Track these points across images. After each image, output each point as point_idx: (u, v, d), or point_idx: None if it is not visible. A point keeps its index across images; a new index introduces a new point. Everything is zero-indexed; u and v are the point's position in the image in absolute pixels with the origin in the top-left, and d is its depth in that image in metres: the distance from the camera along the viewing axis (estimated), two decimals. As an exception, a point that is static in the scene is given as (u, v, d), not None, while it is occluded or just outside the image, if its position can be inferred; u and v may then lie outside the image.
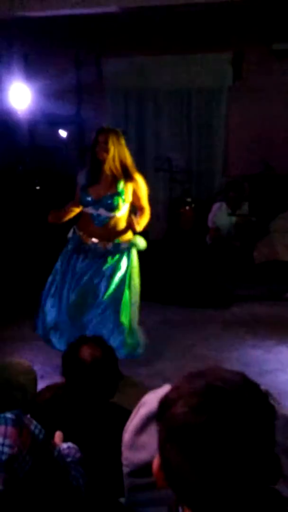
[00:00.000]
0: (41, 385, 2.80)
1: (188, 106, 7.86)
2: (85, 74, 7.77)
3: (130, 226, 4.49)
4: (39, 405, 2.47)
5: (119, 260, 4.47)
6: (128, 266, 4.50)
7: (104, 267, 4.46)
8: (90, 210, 4.41)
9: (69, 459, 1.91)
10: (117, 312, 4.44)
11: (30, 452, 1.60)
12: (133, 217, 4.47)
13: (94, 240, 4.44)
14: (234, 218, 6.91)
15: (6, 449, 1.54)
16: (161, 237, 7.71)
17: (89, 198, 4.39)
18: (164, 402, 1.08)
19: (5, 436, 1.55)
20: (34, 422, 1.69)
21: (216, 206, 7.05)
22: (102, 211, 4.38)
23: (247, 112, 7.55)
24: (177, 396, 1.06)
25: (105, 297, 4.43)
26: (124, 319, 4.47)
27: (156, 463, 1.10)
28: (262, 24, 7.14)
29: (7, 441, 1.55)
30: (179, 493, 1.05)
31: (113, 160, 4.26)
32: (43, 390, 2.70)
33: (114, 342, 4.22)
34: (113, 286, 4.44)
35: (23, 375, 2.53)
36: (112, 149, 4.24)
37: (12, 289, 6.30)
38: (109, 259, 4.46)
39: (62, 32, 7.38)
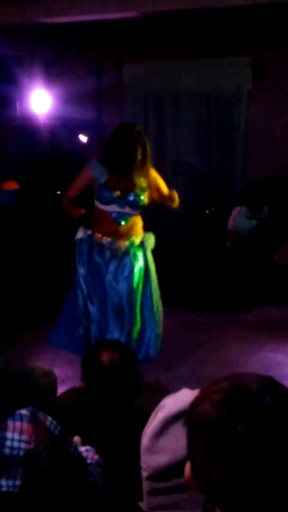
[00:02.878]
0: (61, 389, 2.82)
1: (208, 110, 7.87)
2: (105, 79, 7.81)
3: (169, 201, 4.38)
4: (59, 409, 2.48)
5: (138, 257, 4.44)
6: (146, 261, 4.47)
7: (126, 265, 4.43)
8: (112, 208, 4.28)
9: (87, 461, 1.93)
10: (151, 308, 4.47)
11: (47, 447, 1.62)
12: (174, 191, 4.41)
13: (109, 239, 4.36)
14: (254, 222, 6.89)
15: (23, 445, 1.56)
16: (180, 241, 7.71)
17: (114, 195, 4.26)
18: (191, 404, 1.10)
19: (21, 432, 1.57)
20: (50, 418, 1.70)
21: (236, 210, 7.03)
22: (128, 209, 4.31)
23: (266, 115, 7.53)
24: (202, 395, 1.09)
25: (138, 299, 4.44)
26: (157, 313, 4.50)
27: (188, 466, 1.11)
28: (282, 27, 7.11)
29: (23, 437, 1.56)
30: (207, 493, 1.06)
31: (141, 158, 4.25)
32: (63, 394, 2.71)
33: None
34: (139, 284, 4.44)
35: (44, 379, 2.54)
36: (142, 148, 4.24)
37: (33, 292, 6.34)
38: (130, 257, 4.43)
39: (83, 38, 7.42)
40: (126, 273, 4.38)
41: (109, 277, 4.38)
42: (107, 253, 4.40)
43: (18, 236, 6.59)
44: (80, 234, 4.49)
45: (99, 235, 4.36)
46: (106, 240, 4.36)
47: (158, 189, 4.40)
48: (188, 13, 6.38)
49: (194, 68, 7.61)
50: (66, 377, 4.25)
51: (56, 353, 5.06)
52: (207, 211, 7.46)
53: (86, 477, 1.83)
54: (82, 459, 1.87)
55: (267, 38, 7.24)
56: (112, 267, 4.39)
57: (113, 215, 4.31)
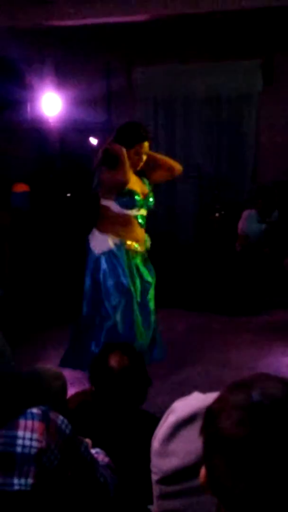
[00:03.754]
0: (71, 391, 2.82)
1: (218, 113, 7.86)
2: (115, 82, 7.82)
3: (169, 169, 4.38)
4: (68, 411, 2.48)
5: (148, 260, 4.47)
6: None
7: (151, 268, 4.44)
8: (136, 211, 4.26)
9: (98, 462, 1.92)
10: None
11: (58, 446, 1.62)
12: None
13: (138, 243, 4.32)
14: (264, 225, 6.88)
15: (34, 444, 1.56)
16: (190, 243, 7.71)
17: (139, 199, 4.24)
18: (208, 414, 1.09)
19: (32, 431, 1.57)
20: (61, 417, 1.71)
21: (246, 213, 7.01)
22: (144, 211, 4.30)
23: (277, 119, 7.52)
24: (220, 408, 1.07)
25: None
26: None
27: (203, 472, 1.11)
28: (293, 30, 7.11)
29: (35, 436, 1.57)
30: (223, 502, 1.06)
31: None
32: (72, 396, 2.72)
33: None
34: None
35: (54, 381, 2.54)
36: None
37: (44, 295, 6.35)
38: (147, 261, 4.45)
39: (93, 41, 7.44)
40: (152, 275, 4.40)
41: (142, 280, 4.37)
42: (138, 258, 4.37)
43: (28, 239, 6.61)
44: (108, 244, 4.25)
45: (129, 242, 4.28)
46: (135, 245, 4.31)
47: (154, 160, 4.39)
48: (198, 16, 6.38)
49: (204, 71, 7.62)
50: (75, 379, 4.26)
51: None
52: (217, 214, 7.45)
53: (97, 477, 1.83)
54: (93, 459, 1.87)
55: (278, 41, 7.24)
56: (143, 270, 4.38)
57: (139, 219, 4.28)
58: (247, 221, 6.95)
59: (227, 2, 5.89)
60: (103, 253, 4.24)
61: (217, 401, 1.10)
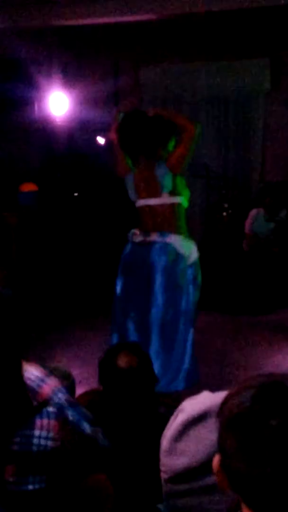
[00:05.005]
0: (79, 390, 2.83)
1: (226, 112, 7.85)
2: (122, 82, 7.82)
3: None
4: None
5: None
6: None
7: None
8: None
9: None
10: None
11: (71, 442, 1.63)
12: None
13: None
14: (272, 224, 6.86)
15: (50, 442, 1.57)
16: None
17: None
18: (225, 398, 1.11)
19: (48, 430, 1.58)
20: (84, 423, 1.71)
21: (253, 212, 7.00)
22: None
23: (285, 118, 7.50)
24: (234, 392, 1.10)
25: None
26: None
27: (216, 459, 1.11)
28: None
29: (51, 434, 1.58)
30: (235, 487, 1.06)
31: None
32: (80, 396, 2.72)
33: None
34: None
35: (62, 381, 2.55)
36: None
37: (52, 294, 6.37)
38: None
39: (100, 40, 7.45)
40: None
41: None
42: None
43: (36, 238, 6.63)
44: (196, 254, 4.16)
45: None
46: None
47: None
48: (206, 15, 6.38)
49: (212, 70, 7.61)
50: (83, 378, 4.26)
51: (73, 354, 5.09)
52: (224, 213, 7.44)
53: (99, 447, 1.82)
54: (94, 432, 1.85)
55: (285, 39, 7.22)
56: None
57: None
58: (255, 221, 6.94)
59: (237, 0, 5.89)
60: (193, 263, 4.12)
61: (235, 388, 1.11)
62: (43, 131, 7.68)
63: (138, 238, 4.09)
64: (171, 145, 4.09)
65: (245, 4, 5.87)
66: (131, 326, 4.08)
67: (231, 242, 7.22)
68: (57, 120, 7.55)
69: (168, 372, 3.98)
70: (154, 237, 4.01)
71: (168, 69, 7.70)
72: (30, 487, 1.56)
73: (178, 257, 3.99)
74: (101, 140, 7.72)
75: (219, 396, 1.23)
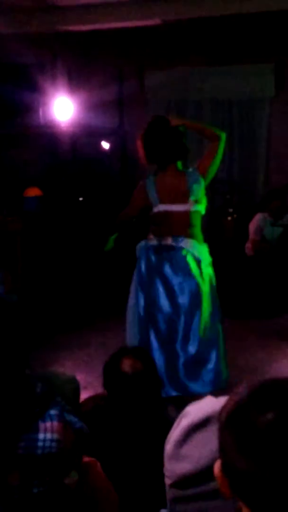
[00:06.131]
0: (84, 395, 2.83)
1: (230, 116, 7.86)
2: (127, 87, 7.83)
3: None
4: (81, 415, 2.49)
5: None
6: None
7: None
8: None
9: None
10: None
11: (73, 443, 1.63)
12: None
13: None
14: (279, 229, 6.85)
15: (54, 444, 1.57)
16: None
17: None
18: (225, 403, 1.12)
19: (52, 432, 1.58)
20: (72, 416, 1.71)
21: (257, 216, 6.99)
22: None
23: (289, 122, 7.51)
24: (232, 393, 1.11)
25: None
26: None
27: (217, 463, 1.11)
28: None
29: (55, 436, 1.58)
30: (235, 489, 1.06)
31: None
32: (85, 400, 2.72)
33: None
34: None
35: (67, 386, 2.55)
36: None
37: (57, 299, 6.37)
38: None
39: (105, 46, 7.47)
40: None
41: None
42: None
43: (41, 243, 6.63)
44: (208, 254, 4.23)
45: None
46: None
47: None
48: (210, 20, 6.40)
49: (216, 75, 7.61)
50: (88, 383, 4.27)
51: (78, 359, 5.09)
52: (229, 218, 7.44)
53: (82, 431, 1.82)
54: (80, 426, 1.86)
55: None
56: None
57: None
58: (260, 226, 6.92)
59: (241, 4, 5.89)
60: (209, 264, 4.19)
61: (234, 390, 1.12)
62: (47, 136, 7.70)
63: (153, 242, 4.09)
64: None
65: (250, 9, 5.88)
66: (154, 342, 4.04)
67: (236, 246, 7.21)
68: (62, 125, 7.56)
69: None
70: (169, 241, 4.03)
71: (172, 74, 7.71)
72: (35, 490, 1.56)
73: (196, 261, 4.06)
74: (105, 145, 7.73)
75: (222, 401, 1.22)
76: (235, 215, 7.46)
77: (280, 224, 6.84)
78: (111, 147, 7.75)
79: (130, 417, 2.42)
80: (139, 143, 4.16)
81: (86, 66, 7.81)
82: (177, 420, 1.50)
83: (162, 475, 1.52)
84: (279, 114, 7.56)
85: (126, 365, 2.46)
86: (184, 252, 4.01)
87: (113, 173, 7.75)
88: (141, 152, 4.16)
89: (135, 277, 4.17)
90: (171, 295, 4.01)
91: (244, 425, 1.03)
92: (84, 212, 7.35)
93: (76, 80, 7.83)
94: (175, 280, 4.00)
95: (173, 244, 4.03)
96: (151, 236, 4.12)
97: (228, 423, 1.06)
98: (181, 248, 4.02)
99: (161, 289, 4.02)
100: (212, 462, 1.17)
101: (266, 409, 1.01)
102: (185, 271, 4.00)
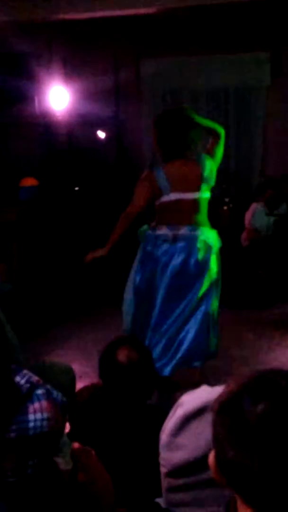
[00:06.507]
0: (79, 385, 2.83)
1: (226, 106, 7.84)
2: (123, 76, 7.81)
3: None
4: (77, 405, 2.49)
5: None
6: None
7: None
8: None
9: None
10: None
11: (60, 420, 1.64)
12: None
13: None
14: (272, 219, 6.86)
15: (45, 423, 1.57)
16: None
17: None
18: (219, 394, 1.13)
19: (42, 411, 1.58)
20: (55, 391, 1.72)
21: (254, 206, 7.00)
22: None
23: (285, 111, 7.49)
24: (227, 384, 1.12)
25: None
26: None
27: (212, 453, 1.12)
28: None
29: (45, 415, 1.58)
30: (229, 479, 1.07)
31: None
32: (81, 390, 2.72)
33: None
34: None
35: (63, 375, 2.56)
36: None
37: (53, 289, 6.37)
38: None
39: (100, 34, 7.43)
40: None
41: None
42: None
43: (36, 233, 6.62)
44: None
45: None
46: None
47: None
48: (206, 8, 6.37)
49: (212, 64, 7.59)
50: (83, 373, 4.27)
51: (74, 349, 5.10)
52: (225, 207, 7.44)
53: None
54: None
55: (286, 33, 7.20)
56: None
57: None
58: (256, 215, 6.93)
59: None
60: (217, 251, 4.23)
61: (228, 383, 1.12)
62: (43, 125, 7.68)
63: (163, 231, 4.09)
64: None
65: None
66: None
67: (232, 236, 7.21)
68: (58, 114, 7.54)
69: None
70: (183, 230, 4.06)
71: (168, 62, 7.69)
72: (30, 471, 1.56)
73: (208, 248, 4.11)
74: (101, 134, 7.71)
75: (217, 391, 1.23)
76: (231, 205, 7.45)
77: (275, 214, 6.84)
78: (106, 136, 7.74)
79: (125, 406, 2.43)
80: (153, 133, 4.16)
81: (81, 55, 7.78)
82: (173, 410, 1.50)
83: (157, 464, 1.52)
84: (275, 103, 7.54)
85: (122, 355, 2.46)
86: (199, 242, 4.06)
87: (108, 162, 7.73)
88: (155, 142, 4.15)
89: (138, 264, 4.18)
90: (179, 283, 4.04)
91: (235, 416, 1.03)
92: (80, 201, 7.34)
93: (72, 69, 7.80)
94: (188, 270, 4.03)
95: (188, 233, 4.06)
96: (160, 226, 4.11)
97: (220, 413, 1.07)
98: (196, 237, 4.07)
99: (168, 276, 4.04)
100: (208, 451, 1.18)
101: (257, 400, 1.02)
102: (200, 262, 4.05)
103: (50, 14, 6.43)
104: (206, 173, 4.11)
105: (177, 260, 4.03)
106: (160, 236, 4.09)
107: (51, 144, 7.89)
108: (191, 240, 4.05)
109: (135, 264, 4.20)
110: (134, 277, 4.17)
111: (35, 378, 1.69)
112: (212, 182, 4.19)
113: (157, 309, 4.06)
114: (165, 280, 4.04)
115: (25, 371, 1.71)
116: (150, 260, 4.10)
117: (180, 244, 4.04)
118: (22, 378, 1.67)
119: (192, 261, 4.04)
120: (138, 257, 4.20)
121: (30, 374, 1.71)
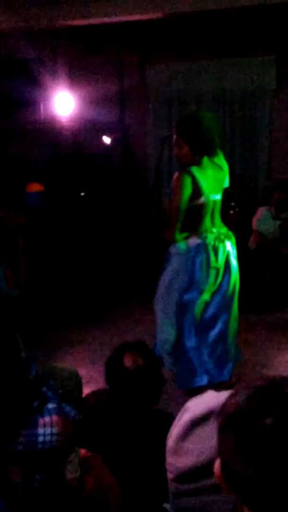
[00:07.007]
0: (86, 390, 2.83)
1: (232, 110, 7.83)
2: (128, 81, 7.82)
3: None
4: (84, 410, 2.49)
5: None
6: None
7: None
8: None
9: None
10: None
11: (72, 435, 1.64)
12: None
13: None
14: (277, 222, 6.85)
15: (54, 438, 1.57)
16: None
17: None
18: (224, 401, 1.12)
19: (52, 426, 1.58)
20: (68, 406, 1.72)
21: (260, 210, 6.99)
22: None
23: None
24: (235, 392, 1.10)
25: None
26: None
27: (217, 463, 1.11)
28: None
29: (55, 430, 1.58)
30: (235, 489, 1.06)
31: None
32: (88, 395, 2.72)
33: None
34: None
35: (70, 380, 2.56)
36: None
37: (60, 294, 6.37)
38: None
39: (106, 40, 7.45)
40: None
41: None
42: None
43: (43, 238, 6.64)
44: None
45: None
46: None
47: None
48: (211, 13, 6.37)
49: (217, 68, 7.59)
50: (90, 378, 4.27)
51: (81, 354, 5.09)
52: (231, 212, 7.42)
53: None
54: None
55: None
56: None
57: None
58: (262, 219, 6.92)
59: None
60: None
61: (234, 389, 1.12)
62: (49, 131, 7.70)
63: (204, 238, 4.19)
64: None
65: (252, 2, 5.86)
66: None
67: (239, 240, 7.19)
68: (63, 120, 7.56)
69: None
70: (216, 233, 4.29)
71: (173, 67, 7.69)
72: (37, 484, 1.56)
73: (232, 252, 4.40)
74: (106, 139, 7.72)
75: (224, 396, 1.22)
76: (237, 209, 7.43)
77: (282, 218, 6.83)
78: (112, 142, 7.75)
79: (132, 412, 2.43)
80: (179, 140, 4.10)
81: (86, 60, 7.80)
82: (179, 415, 1.50)
83: (164, 470, 1.52)
84: (280, 107, 7.54)
85: (128, 360, 2.46)
86: (227, 245, 4.29)
87: (114, 168, 7.74)
88: (184, 148, 4.09)
89: (183, 277, 4.22)
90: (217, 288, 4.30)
91: (242, 429, 1.02)
92: (86, 207, 7.35)
93: (77, 75, 7.82)
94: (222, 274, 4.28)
95: (221, 237, 4.27)
96: (198, 232, 4.17)
97: (227, 426, 1.06)
98: (226, 240, 4.30)
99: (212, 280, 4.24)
100: (214, 456, 1.17)
101: (265, 414, 1.01)
102: (229, 264, 4.34)
103: (56, 20, 6.45)
104: (227, 176, 4.33)
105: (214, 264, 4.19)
106: (201, 244, 4.17)
107: (56, 149, 7.91)
108: (222, 244, 4.25)
109: (180, 277, 4.22)
110: (180, 286, 4.21)
111: (56, 391, 1.70)
112: (228, 183, 4.40)
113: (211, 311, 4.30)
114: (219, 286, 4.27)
115: (52, 382, 1.71)
116: (194, 267, 4.18)
117: (221, 246, 4.22)
118: (48, 389, 1.67)
119: (234, 262, 4.36)
120: (180, 267, 4.21)
121: (56, 387, 1.71)
